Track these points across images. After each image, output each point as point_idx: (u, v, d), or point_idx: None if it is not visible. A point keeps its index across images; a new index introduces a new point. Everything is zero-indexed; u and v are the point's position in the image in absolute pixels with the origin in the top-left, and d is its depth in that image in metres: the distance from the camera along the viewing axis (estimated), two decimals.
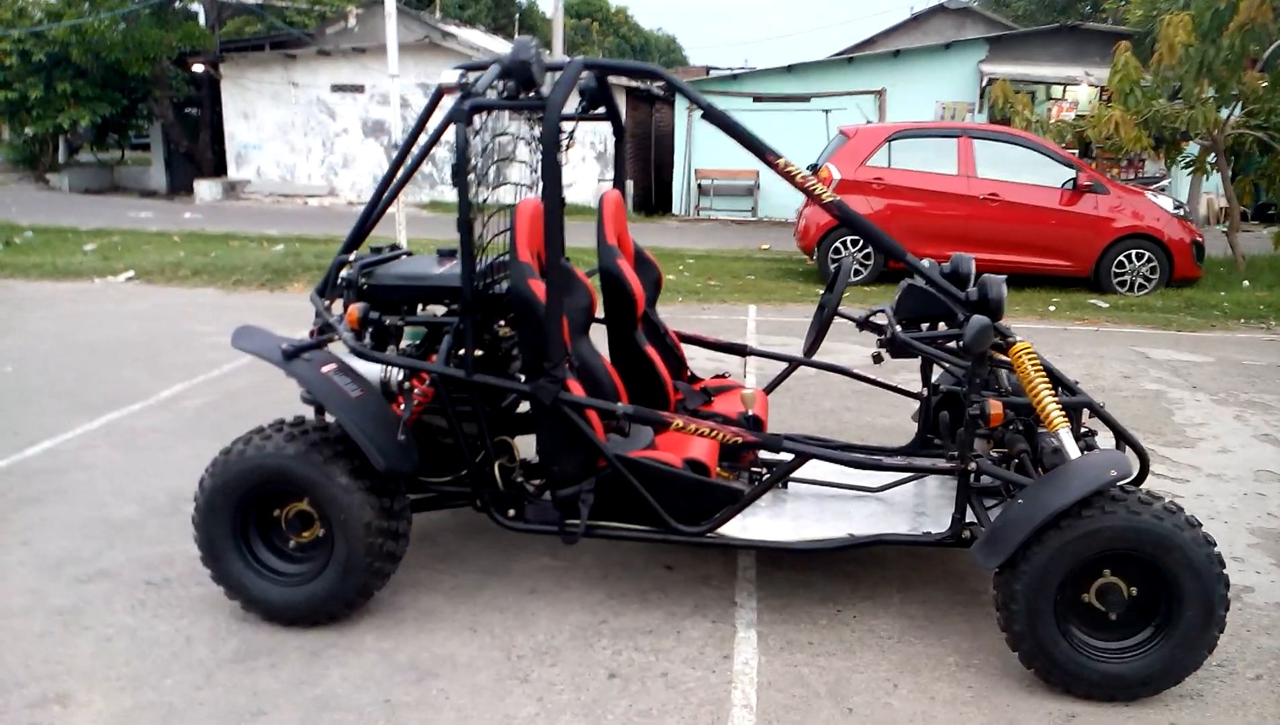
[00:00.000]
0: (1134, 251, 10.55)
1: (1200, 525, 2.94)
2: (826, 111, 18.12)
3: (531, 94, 3.31)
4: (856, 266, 10.85)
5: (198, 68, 21.66)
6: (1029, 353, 3.38)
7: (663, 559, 3.94)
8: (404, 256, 4.10)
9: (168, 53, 21.21)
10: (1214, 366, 7.56)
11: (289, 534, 3.39)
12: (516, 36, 3.37)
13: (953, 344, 3.67)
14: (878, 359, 3.91)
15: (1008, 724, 2.93)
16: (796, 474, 3.74)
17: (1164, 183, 15.64)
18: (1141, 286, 10.57)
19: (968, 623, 3.52)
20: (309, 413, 3.60)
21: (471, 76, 3.35)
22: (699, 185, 19.25)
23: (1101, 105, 10.92)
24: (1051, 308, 9.86)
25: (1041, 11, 29.49)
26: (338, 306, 3.78)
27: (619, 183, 4.43)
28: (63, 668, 3.14)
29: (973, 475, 3.33)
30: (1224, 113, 10.79)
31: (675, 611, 3.55)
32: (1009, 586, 2.99)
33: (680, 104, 19.46)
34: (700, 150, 19.09)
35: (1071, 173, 10.65)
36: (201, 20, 23.59)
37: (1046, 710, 2.99)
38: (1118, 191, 10.72)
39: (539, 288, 3.33)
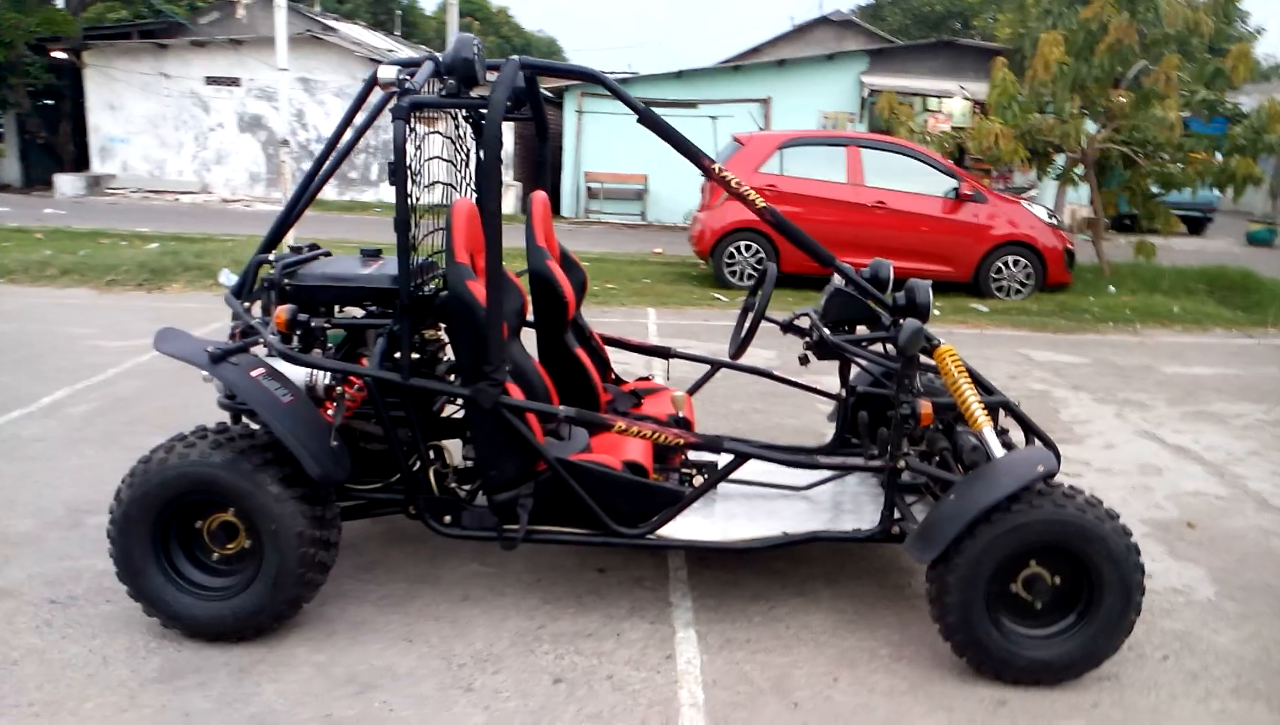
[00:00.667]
0: (1011, 258, 11.05)
1: (1119, 517, 3.10)
2: (714, 118, 18.38)
3: (471, 92, 3.26)
4: (750, 271, 11.05)
5: (58, 55, 20.53)
6: (952, 355, 3.51)
7: (594, 562, 3.94)
8: (323, 256, 3.98)
9: (25, 38, 20.02)
10: (1091, 367, 7.98)
11: (212, 546, 3.25)
12: (458, 33, 3.30)
13: (877, 347, 3.79)
14: (804, 361, 4.00)
15: (944, 711, 3.03)
16: (755, 476, 3.80)
17: (1033, 192, 16.41)
18: (1017, 291, 11.07)
19: (895, 615, 3.62)
20: (226, 418, 3.47)
21: (401, 73, 3.28)
22: (588, 188, 19.25)
23: (981, 118, 11.37)
24: (936, 312, 10.22)
25: (915, 26, 30.61)
26: (257, 308, 3.65)
27: (542, 184, 4.41)
28: None
29: (900, 473, 3.43)
30: (1092, 128, 11.39)
31: (612, 614, 3.55)
32: (942, 579, 3.09)
33: (569, 106, 19.43)
34: (589, 153, 19.11)
35: (953, 182, 11.08)
36: (60, 3, 22.36)
37: (979, 697, 3.11)
38: (996, 200, 11.20)
39: (478, 290, 3.29)
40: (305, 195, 3.73)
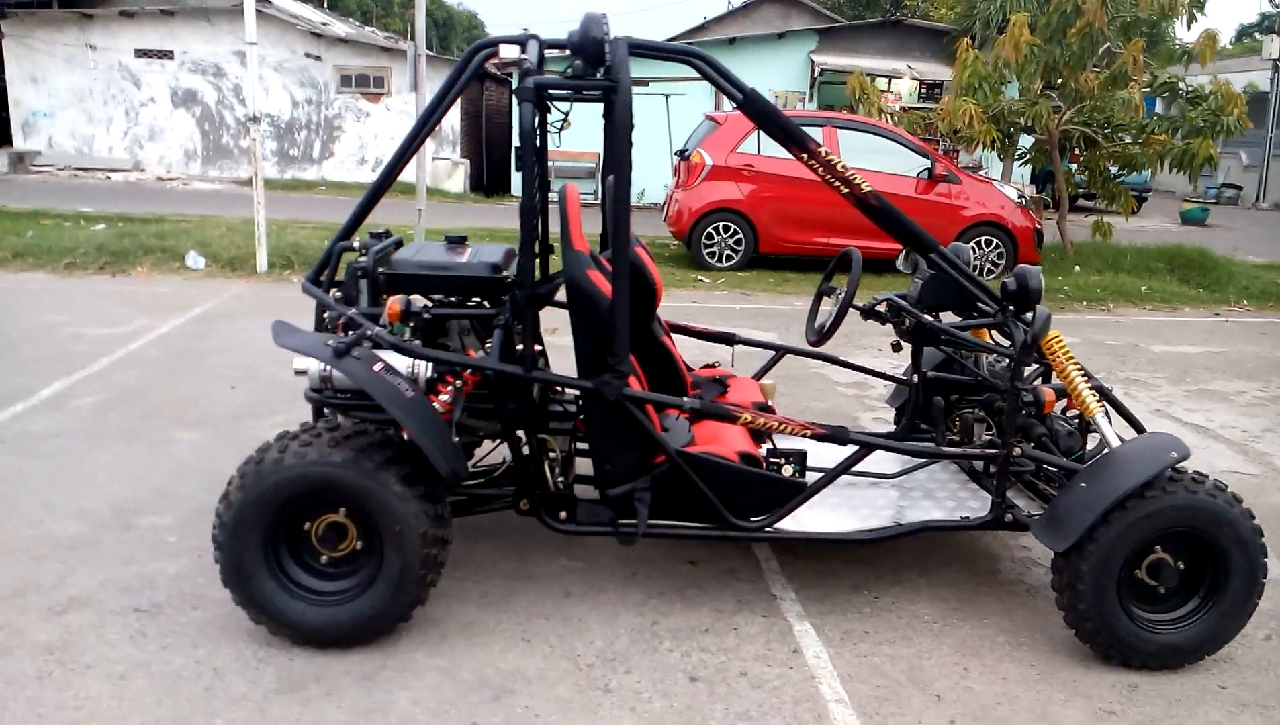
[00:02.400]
0: (983, 238, 11.22)
1: (1243, 501, 3.15)
2: (667, 96, 18.24)
3: (599, 73, 3.13)
4: (728, 252, 11.02)
5: None
6: (1060, 341, 3.53)
7: (681, 554, 3.87)
8: (394, 243, 3.82)
9: None
10: (1083, 347, 8.14)
11: (321, 549, 3.09)
12: (587, 12, 3.15)
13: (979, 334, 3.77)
14: (897, 347, 3.99)
15: (1084, 699, 3.05)
16: (811, 462, 3.76)
17: (980, 172, 16.70)
18: (990, 271, 11.26)
19: (998, 602, 3.64)
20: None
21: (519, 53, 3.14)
22: None
23: (953, 97, 11.49)
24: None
25: (849, 5, 30.84)
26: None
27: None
28: (84, 713, 2.75)
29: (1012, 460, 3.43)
30: (1059, 109, 11.61)
31: (721, 608, 3.50)
32: (1075, 568, 3.10)
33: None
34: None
35: (927, 163, 11.19)
36: None
37: (1110, 682, 3.14)
38: (968, 181, 11.36)
39: (599, 279, 3.18)
40: (390, 176, 3.56)
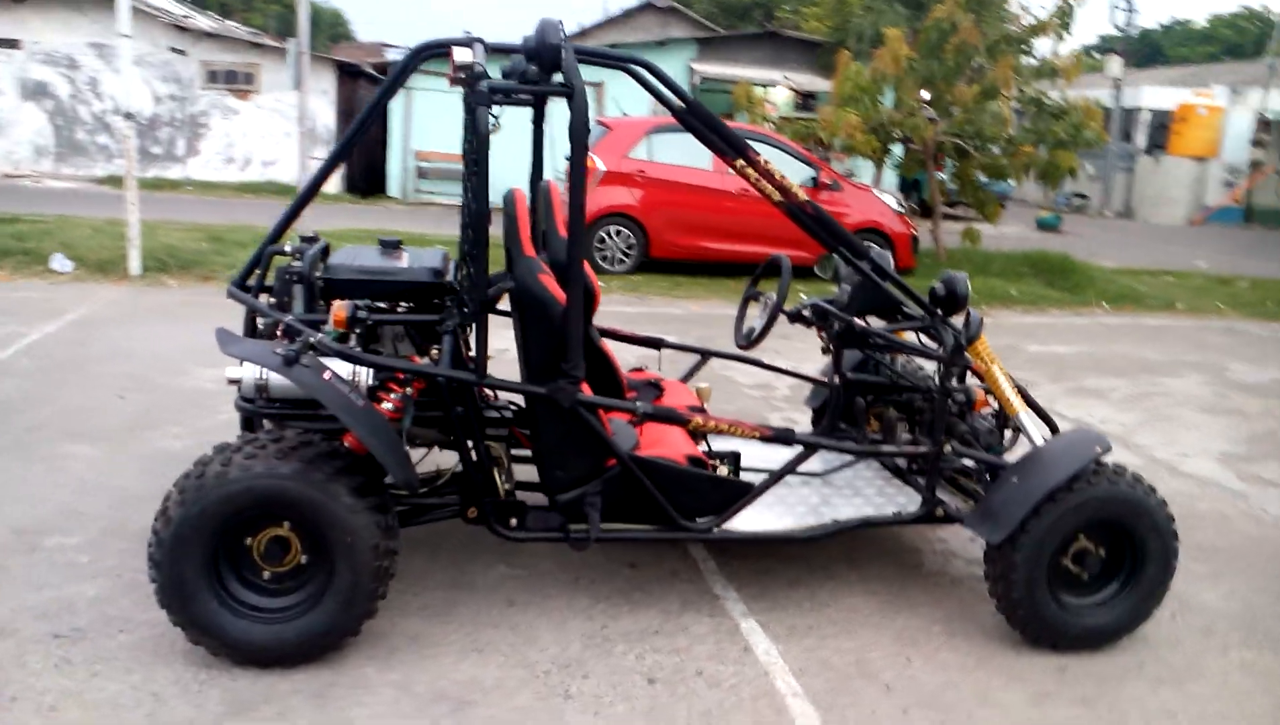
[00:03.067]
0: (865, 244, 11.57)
1: (1156, 491, 3.36)
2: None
3: (553, 79, 3.12)
4: (620, 256, 11.08)
5: None
6: (984, 344, 3.69)
7: (621, 558, 3.88)
8: (324, 247, 3.72)
9: None
10: None
11: (264, 564, 2.98)
12: (542, 17, 3.12)
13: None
14: (827, 350, 4.10)
15: (1019, 682, 3.21)
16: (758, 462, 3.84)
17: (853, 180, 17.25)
18: None
19: (925, 593, 3.78)
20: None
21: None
22: (419, 168, 18.66)
23: (833, 109, 11.84)
24: (803, 296, 10.57)
25: (722, 15, 31.39)
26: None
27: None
28: None
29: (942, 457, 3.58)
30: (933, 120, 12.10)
31: (668, 610, 3.52)
32: (1009, 558, 3.25)
33: None
34: (419, 131, 18.51)
35: (811, 171, 11.50)
36: None
37: (1040, 666, 3.31)
38: (849, 189, 11.71)
39: (551, 284, 3.17)
40: (323, 178, 3.47)
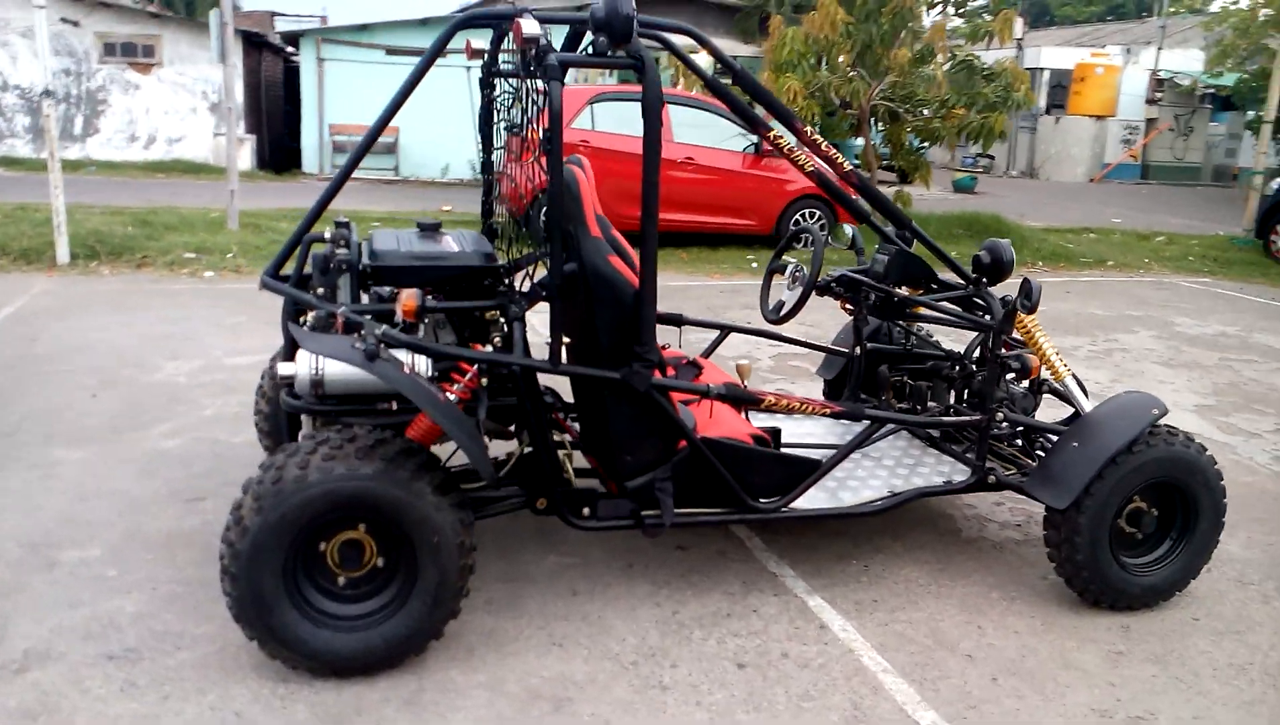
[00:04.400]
0: (807, 210, 11.66)
1: (1207, 448, 3.45)
2: (468, 68, 17.78)
3: (620, 52, 2.99)
4: None
5: None
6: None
7: (667, 541, 3.82)
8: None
9: None
10: None
11: (340, 570, 2.84)
12: None
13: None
14: (864, 320, 4.09)
15: (1091, 644, 3.27)
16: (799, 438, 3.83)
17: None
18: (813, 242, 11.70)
19: (972, 560, 3.83)
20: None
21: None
22: (334, 142, 18.05)
23: (772, 74, 11.82)
24: (754, 264, 10.64)
25: None
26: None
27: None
28: None
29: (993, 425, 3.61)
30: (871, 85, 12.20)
31: (730, 591, 3.49)
32: (1073, 522, 3.30)
33: (308, 53, 18.03)
34: (334, 104, 17.90)
35: (754, 138, 11.48)
36: None
37: (1104, 625, 3.38)
38: None
39: (621, 265, 3.07)
40: (358, 158, 3.29)
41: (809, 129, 3.49)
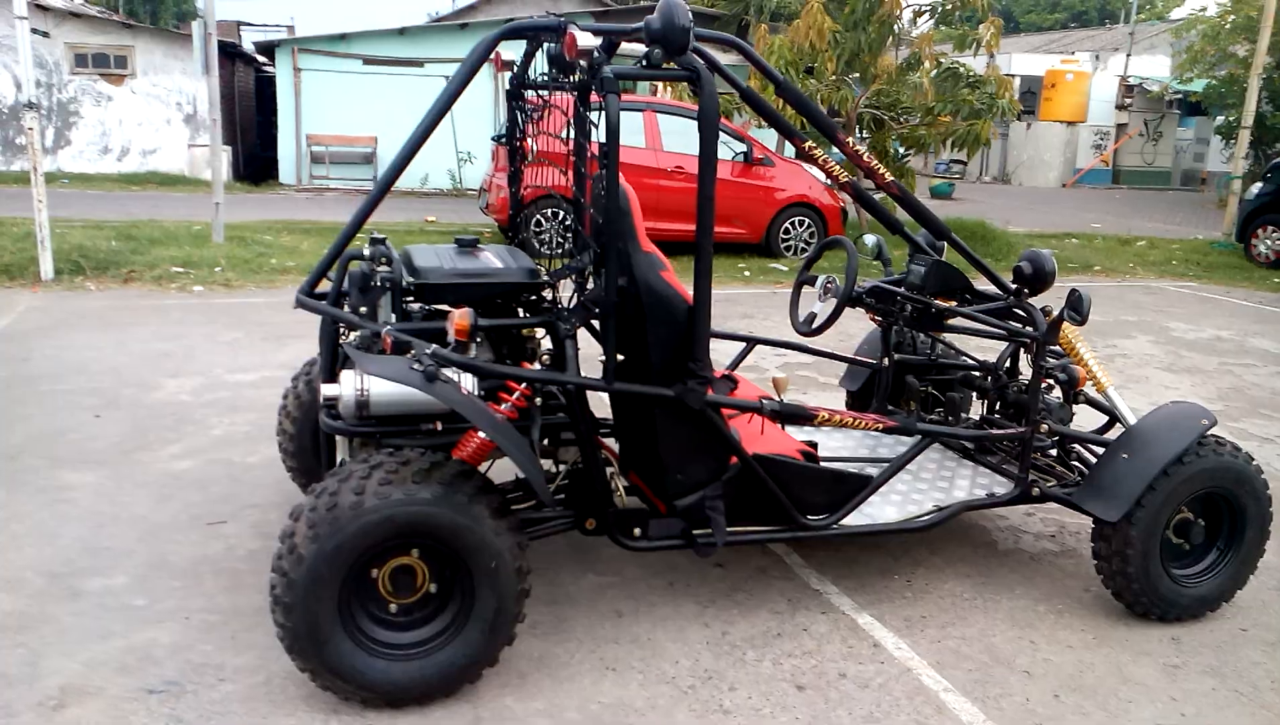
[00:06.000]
0: (796, 218, 11.67)
1: (1254, 458, 3.44)
2: (446, 77, 17.67)
3: (673, 64, 2.93)
4: (557, 238, 10.83)
5: None
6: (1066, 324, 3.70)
7: (700, 559, 3.74)
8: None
9: None
10: None
11: (392, 597, 2.75)
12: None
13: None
14: (898, 332, 4.05)
15: (1145, 655, 3.25)
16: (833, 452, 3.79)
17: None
18: (803, 250, 11.72)
19: (1012, 573, 3.80)
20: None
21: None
22: (312, 152, 17.87)
23: (758, 83, 11.79)
24: (746, 273, 10.62)
25: None
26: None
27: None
28: None
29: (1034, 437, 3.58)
30: (858, 92, 12.24)
31: (777, 610, 3.43)
32: (1124, 534, 3.28)
33: (283, 64, 17.84)
34: (311, 114, 17.72)
35: (743, 146, 11.48)
36: None
37: (1155, 637, 3.36)
38: (781, 163, 11.75)
39: (675, 282, 3.02)
40: (397, 172, 3.21)
41: (850, 140, 3.45)
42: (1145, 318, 9.03)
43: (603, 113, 2.79)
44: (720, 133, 11.15)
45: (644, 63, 2.91)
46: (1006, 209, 18.30)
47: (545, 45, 3.44)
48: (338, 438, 3.19)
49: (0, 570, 3.47)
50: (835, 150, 12.85)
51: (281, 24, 33.11)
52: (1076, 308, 3.44)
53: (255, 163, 19.76)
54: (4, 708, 2.70)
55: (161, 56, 17.68)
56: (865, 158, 3.47)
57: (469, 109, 17.69)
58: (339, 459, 3.20)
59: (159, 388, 5.63)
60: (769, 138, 14.32)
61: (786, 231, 11.67)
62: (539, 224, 10.80)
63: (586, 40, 2.81)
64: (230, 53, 19.14)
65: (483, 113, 17.89)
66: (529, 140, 3.81)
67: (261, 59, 21.38)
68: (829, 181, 3.44)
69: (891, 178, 3.52)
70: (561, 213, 10.86)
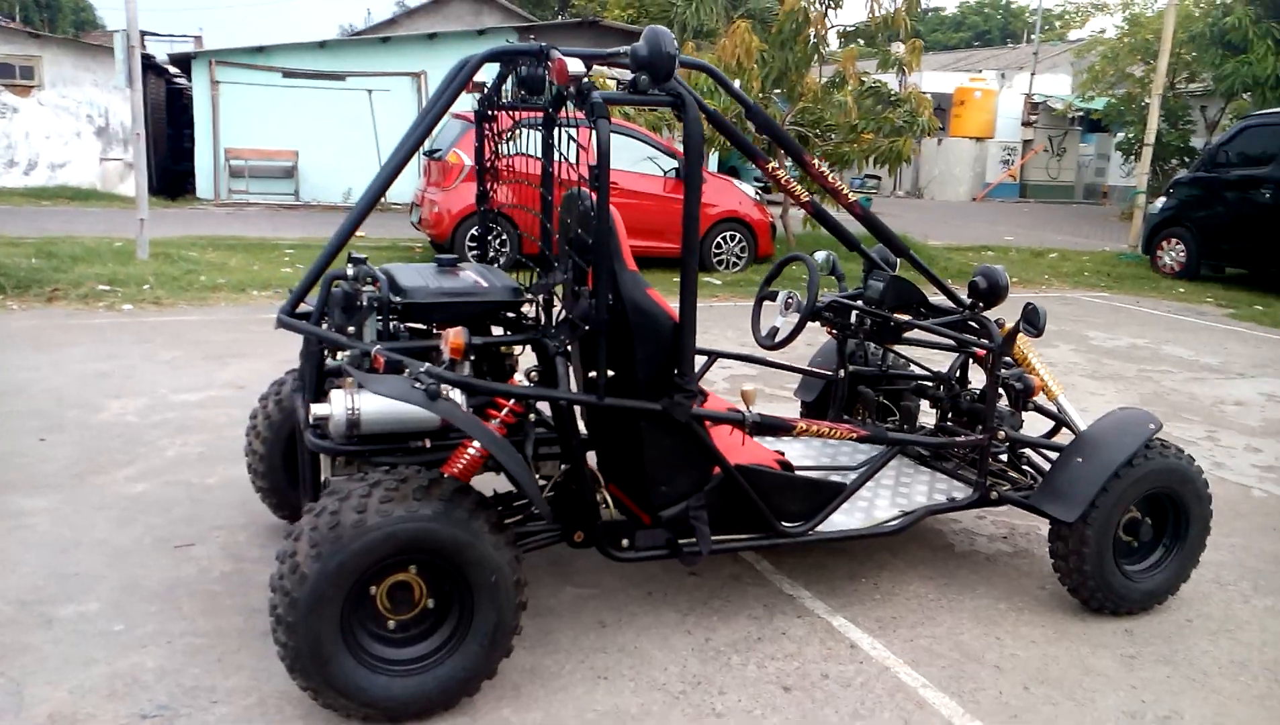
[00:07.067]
0: (728, 233, 11.87)
1: (1195, 459, 3.67)
2: (370, 91, 17.56)
3: (656, 90, 3.02)
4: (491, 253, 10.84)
5: None
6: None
7: (678, 568, 3.84)
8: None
9: None
10: None
11: (389, 613, 2.78)
12: (648, 26, 3.03)
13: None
14: (859, 344, 4.21)
15: (1104, 649, 3.43)
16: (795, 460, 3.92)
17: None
18: (734, 264, 11.93)
19: (972, 573, 3.97)
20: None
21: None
22: (231, 166, 17.51)
23: None
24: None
25: (524, 4, 31.13)
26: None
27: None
28: None
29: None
30: (783, 110, 12.52)
31: (755, 615, 3.54)
32: (1080, 534, 3.47)
33: (200, 76, 17.47)
34: (229, 128, 17.38)
35: (674, 163, 11.64)
36: None
37: (1109, 631, 3.55)
38: (711, 180, 11.94)
39: (660, 298, 3.11)
40: (381, 190, 3.24)
41: (815, 161, 3.58)
42: (1064, 327, 9.43)
43: (593, 135, 2.86)
44: (652, 149, 11.36)
45: (630, 88, 2.99)
46: (923, 223, 18.83)
47: (519, 69, 3.48)
48: (322, 457, 3.20)
49: None
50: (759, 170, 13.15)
51: (188, 34, 32.44)
52: (1032, 321, 3.62)
53: (166, 176, 19.27)
54: None
55: (71, 68, 17.18)
56: (830, 179, 3.61)
57: (393, 124, 17.60)
58: (323, 478, 3.21)
59: (103, 409, 5.50)
60: None
61: (718, 246, 11.86)
62: (474, 238, 10.77)
63: (576, 66, 2.89)
64: (147, 66, 18.63)
65: (406, 128, 17.77)
66: (500, 160, 3.84)
67: (173, 70, 20.88)
68: (792, 199, 3.56)
69: (855, 199, 3.67)
70: (497, 228, 10.89)
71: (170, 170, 19.51)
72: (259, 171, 17.71)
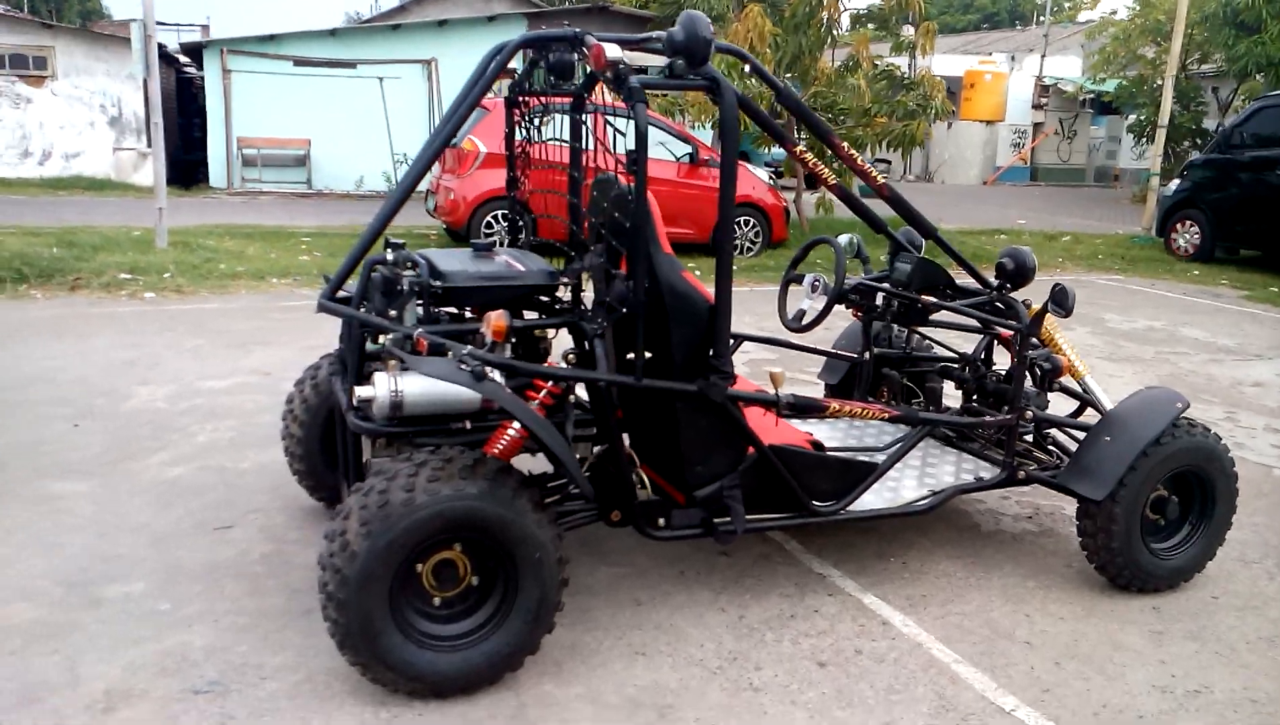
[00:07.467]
0: (742, 218, 11.89)
1: (1221, 437, 3.70)
2: (380, 79, 17.57)
3: (692, 75, 3.06)
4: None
5: None
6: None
7: (708, 548, 3.90)
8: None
9: None
10: None
11: (435, 590, 2.84)
12: (687, 11, 3.06)
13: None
14: (884, 327, 4.25)
15: (1132, 624, 3.48)
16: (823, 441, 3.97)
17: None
18: (749, 249, 11.96)
19: (997, 552, 4.02)
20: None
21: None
22: (243, 155, 17.57)
23: None
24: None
25: None
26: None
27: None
28: None
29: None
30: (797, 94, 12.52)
31: (787, 594, 3.59)
32: (1109, 512, 3.51)
33: (212, 65, 17.52)
34: (242, 116, 17.43)
35: (689, 148, 11.66)
36: None
37: (1137, 608, 3.60)
38: None
39: (694, 281, 3.15)
40: (417, 178, 3.28)
41: (845, 145, 3.62)
42: (1081, 310, 9.41)
43: (630, 121, 2.90)
44: (664, 133, 11.37)
45: (668, 72, 3.03)
46: (935, 206, 18.79)
47: (551, 54, 3.52)
48: (364, 439, 3.26)
49: (14, 580, 3.45)
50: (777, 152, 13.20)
51: (196, 23, 32.46)
52: (1061, 302, 3.66)
53: (177, 166, 19.31)
54: (54, 712, 2.72)
55: (83, 58, 17.22)
56: (860, 162, 3.65)
57: (404, 112, 17.63)
58: (365, 460, 3.27)
59: (131, 396, 5.57)
60: (711, 139, 14.53)
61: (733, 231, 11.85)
62: (490, 226, 10.84)
63: (614, 52, 2.93)
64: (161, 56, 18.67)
65: (417, 115, 17.82)
66: (532, 145, 3.88)
67: (184, 59, 20.92)
68: (819, 183, 3.59)
69: (884, 181, 3.71)
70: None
71: (182, 160, 19.57)
72: (271, 160, 17.76)
